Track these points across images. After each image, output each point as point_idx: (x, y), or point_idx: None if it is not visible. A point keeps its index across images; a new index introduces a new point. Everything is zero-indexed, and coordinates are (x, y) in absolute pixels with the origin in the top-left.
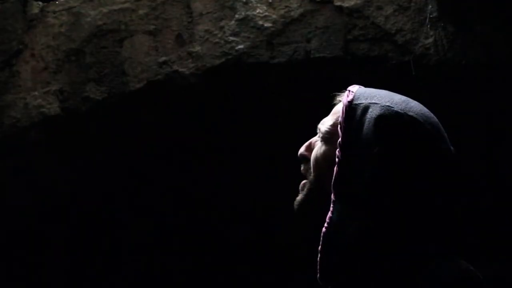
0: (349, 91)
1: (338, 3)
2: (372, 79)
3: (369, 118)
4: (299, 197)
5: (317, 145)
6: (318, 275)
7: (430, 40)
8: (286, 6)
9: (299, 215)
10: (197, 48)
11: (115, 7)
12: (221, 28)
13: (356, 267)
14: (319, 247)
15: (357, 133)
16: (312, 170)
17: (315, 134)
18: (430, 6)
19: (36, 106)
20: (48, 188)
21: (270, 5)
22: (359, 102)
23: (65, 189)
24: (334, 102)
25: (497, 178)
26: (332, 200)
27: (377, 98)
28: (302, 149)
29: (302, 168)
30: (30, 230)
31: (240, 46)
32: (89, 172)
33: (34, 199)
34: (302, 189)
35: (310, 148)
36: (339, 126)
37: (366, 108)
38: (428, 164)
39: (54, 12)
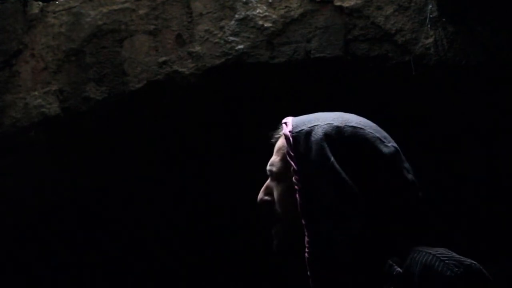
0: (285, 123)
1: (338, 3)
2: (372, 79)
3: (314, 140)
4: (277, 242)
5: (275, 187)
6: None
7: (430, 40)
8: (286, 6)
9: (283, 256)
10: (197, 48)
11: (115, 7)
12: (221, 28)
13: (347, 277)
14: (308, 273)
15: (307, 158)
16: (280, 210)
17: None
18: (430, 6)
19: (36, 106)
20: (48, 188)
21: (270, 5)
22: (299, 129)
23: (65, 189)
24: (272, 141)
25: (497, 178)
26: (304, 225)
27: (314, 121)
28: (261, 195)
29: (265, 213)
30: (30, 229)
31: (240, 46)
32: (89, 172)
33: (34, 199)
34: (277, 234)
35: (268, 192)
36: (288, 156)
37: (308, 133)
38: (378, 164)
39: (54, 12)
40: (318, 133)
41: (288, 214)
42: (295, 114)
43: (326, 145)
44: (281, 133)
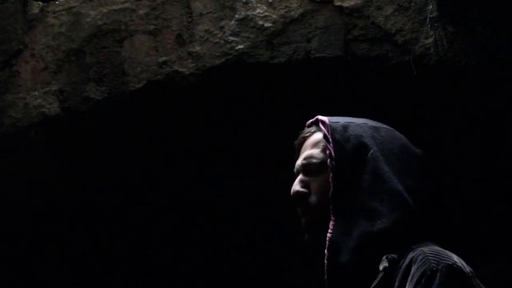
0: (318, 117)
1: (338, 3)
2: (372, 79)
3: (352, 133)
4: (310, 233)
5: (314, 179)
6: (325, 277)
7: (430, 40)
8: (286, 6)
9: (315, 247)
10: (197, 48)
11: (115, 7)
12: (221, 28)
13: (360, 268)
14: (326, 250)
15: (344, 147)
16: (316, 202)
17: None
18: (430, 6)
19: (36, 106)
20: (48, 188)
21: (270, 5)
22: (335, 121)
23: (65, 189)
24: (297, 141)
25: (497, 178)
26: (331, 210)
27: (348, 119)
28: (297, 187)
29: (301, 208)
30: (30, 230)
31: (240, 46)
32: (89, 172)
33: (34, 199)
34: (310, 225)
35: (305, 185)
36: (326, 140)
37: (345, 126)
38: (413, 162)
39: (54, 12)
40: (355, 128)
41: (324, 204)
42: (295, 114)
43: (366, 141)
44: (307, 134)
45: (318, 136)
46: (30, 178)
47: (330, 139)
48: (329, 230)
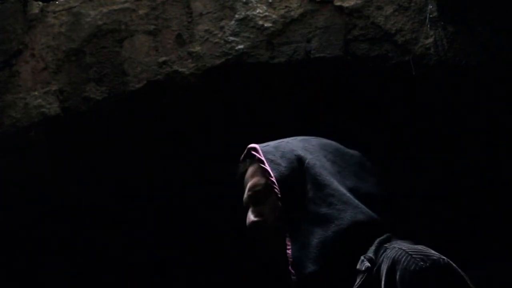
0: (247, 148)
1: (338, 3)
2: (372, 79)
3: (284, 150)
4: (264, 251)
5: (264, 206)
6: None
7: (430, 40)
8: (286, 6)
9: (270, 263)
10: (197, 48)
11: (115, 7)
12: (221, 28)
13: (328, 276)
14: (291, 273)
15: (280, 163)
16: (270, 224)
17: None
18: (430, 6)
19: (36, 106)
20: (48, 188)
21: (270, 5)
22: (266, 144)
23: (65, 189)
24: (237, 178)
25: (497, 178)
26: (287, 227)
27: (277, 141)
28: (252, 218)
29: (259, 236)
30: (30, 230)
31: (240, 46)
32: (89, 172)
33: (34, 199)
34: (264, 243)
35: (259, 214)
36: (262, 164)
37: (276, 146)
38: (351, 161)
39: (54, 12)
40: (285, 144)
41: (279, 225)
42: (294, 114)
43: (298, 152)
44: (245, 166)
45: (253, 166)
46: (30, 178)
47: (265, 162)
48: (287, 247)
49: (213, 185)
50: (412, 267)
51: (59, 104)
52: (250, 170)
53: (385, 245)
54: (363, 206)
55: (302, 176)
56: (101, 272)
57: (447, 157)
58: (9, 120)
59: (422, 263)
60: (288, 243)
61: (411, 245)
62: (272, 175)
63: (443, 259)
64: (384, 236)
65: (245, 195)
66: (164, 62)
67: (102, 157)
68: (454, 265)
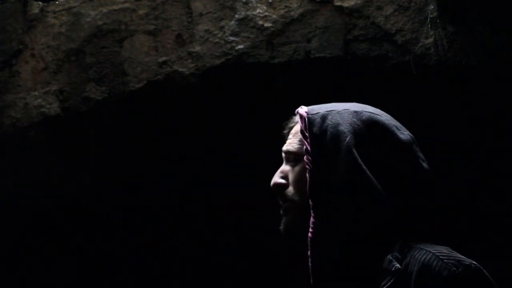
0: (300, 107)
1: (338, 3)
2: (372, 79)
3: (331, 123)
4: (287, 219)
5: (291, 169)
6: (311, 280)
7: (430, 40)
8: (286, 6)
9: (288, 236)
10: (197, 48)
11: (115, 7)
12: (221, 28)
13: (347, 265)
14: (308, 252)
15: (321, 139)
16: (294, 191)
17: None
18: (431, 6)
19: (36, 106)
20: (48, 188)
21: (270, 5)
22: (315, 112)
23: (65, 189)
24: (285, 131)
25: (497, 178)
26: (311, 206)
27: (330, 107)
28: (276, 179)
29: (280, 197)
30: (30, 229)
31: (240, 46)
32: (89, 172)
33: (34, 199)
34: (287, 211)
35: (283, 176)
36: (301, 135)
37: (324, 116)
38: (396, 151)
39: (54, 12)
40: (334, 117)
41: (301, 196)
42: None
43: (342, 129)
44: (296, 119)
45: (299, 126)
46: (30, 178)
47: (307, 134)
48: (310, 229)
49: (213, 185)
50: (445, 273)
51: (59, 104)
52: (295, 128)
53: (410, 244)
54: (391, 202)
55: (338, 156)
56: (101, 272)
57: (447, 156)
58: (9, 120)
59: (454, 268)
60: (311, 224)
61: (437, 248)
62: (309, 150)
63: (474, 264)
64: (407, 233)
65: (283, 148)
66: (164, 62)
67: (102, 157)
68: (484, 270)
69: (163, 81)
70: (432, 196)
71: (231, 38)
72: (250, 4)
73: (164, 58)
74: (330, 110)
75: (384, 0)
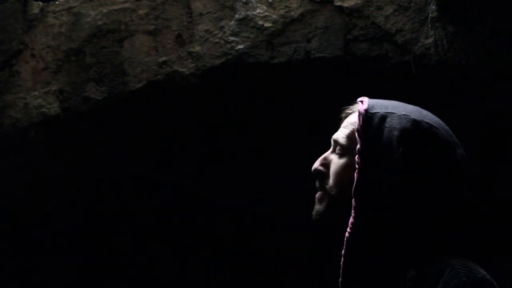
0: (361, 101)
1: (338, 3)
2: (372, 79)
3: (388, 126)
4: (319, 208)
5: (334, 159)
6: (340, 279)
7: (430, 40)
8: (286, 6)
9: (318, 225)
10: (197, 48)
11: (115, 7)
12: (221, 28)
13: (379, 273)
14: (343, 251)
15: (375, 141)
16: (333, 184)
17: (316, 133)
18: (431, 6)
19: (36, 106)
20: (48, 188)
21: (270, 5)
22: (375, 111)
23: (65, 189)
24: (342, 115)
25: (497, 178)
26: (353, 206)
27: (391, 108)
28: (316, 164)
29: (317, 183)
30: (30, 229)
31: (240, 46)
32: (89, 172)
33: (34, 199)
34: (321, 200)
35: (325, 164)
36: (357, 133)
37: (383, 117)
38: (446, 168)
39: (54, 12)
40: (393, 121)
41: (339, 190)
42: (294, 114)
43: (398, 135)
44: (355, 109)
45: (353, 117)
46: (30, 178)
47: (362, 133)
48: (348, 229)
49: (213, 185)
50: (454, 281)
51: (59, 104)
52: (350, 118)
53: (439, 256)
54: (430, 217)
55: (389, 161)
56: (101, 272)
57: None
58: (9, 120)
59: (465, 279)
60: (351, 224)
61: (461, 259)
62: (361, 150)
63: (487, 278)
64: (439, 247)
65: (333, 135)
66: (164, 62)
67: (102, 157)
68: (496, 286)
69: (163, 81)
70: (468, 215)
71: (231, 38)
72: (250, 4)
73: (164, 58)
74: (390, 112)
75: (384, 0)
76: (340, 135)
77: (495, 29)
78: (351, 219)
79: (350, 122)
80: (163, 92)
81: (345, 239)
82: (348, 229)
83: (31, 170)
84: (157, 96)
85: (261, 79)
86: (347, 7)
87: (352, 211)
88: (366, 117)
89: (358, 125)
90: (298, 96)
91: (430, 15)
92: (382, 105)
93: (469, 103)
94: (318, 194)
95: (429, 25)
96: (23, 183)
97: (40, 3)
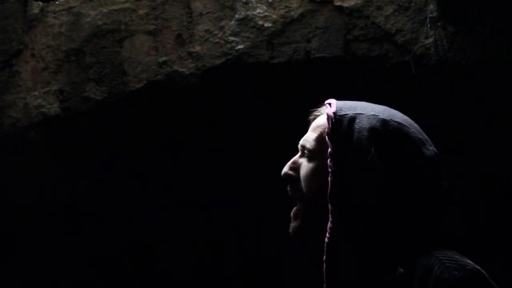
0: (329, 104)
1: (338, 3)
2: (372, 79)
3: (357, 128)
4: (295, 224)
5: (304, 163)
6: (324, 286)
7: (430, 40)
8: (286, 6)
9: (297, 240)
10: (197, 48)
11: (115, 7)
12: (221, 28)
13: (364, 274)
14: (324, 257)
15: (346, 143)
16: (304, 189)
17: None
18: (431, 6)
19: (36, 106)
20: (48, 188)
21: (270, 5)
22: (343, 113)
23: (65, 189)
24: (310, 117)
25: (497, 179)
26: (330, 210)
27: (359, 109)
28: (286, 169)
29: (289, 188)
30: (30, 229)
31: (240, 46)
32: (89, 172)
33: (34, 199)
34: (296, 217)
35: (294, 168)
36: (327, 137)
37: (352, 119)
38: (419, 165)
39: (54, 12)
40: (362, 122)
41: (312, 195)
42: (294, 114)
43: (369, 136)
44: (322, 111)
45: (321, 120)
46: (30, 178)
47: (332, 135)
48: (327, 234)
49: (213, 185)
50: (445, 276)
51: (59, 104)
52: (317, 121)
53: (421, 251)
54: (409, 214)
55: (361, 163)
56: (101, 272)
57: (447, 157)
58: (9, 120)
59: (456, 272)
60: (329, 229)
61: (444, 252)
62: (332, 153)
63: (477, 269)
64: (420, 242)
65: (301, 140)
66: (164, 62)
67: (102, 157)
68: (487, 276)
69: (163, 81)
70: (447, 211)
71: (231, 38)
72: (250, 4)
73: (164, 58)
74: (358, 113)
75: (384, 0)
76: (308, 139)
77: (495, 29)
78: (329, 224)
79: (318, 125)
80: (163, 92)
81: (325, 245)
82: (327, 235)
83: (31, 170)
84: (157, 96)
85: (261, 79)
86: (347, 7)
87: (330, 215)
88: (335, 119)
89: (327, 128)
90: (298, 96)
91: (430, 15)
92: (350, 107)
93: (469, 103)
94: (293, 211)
95: (429, 25)
96: (23, 183)
97: (40, 3)
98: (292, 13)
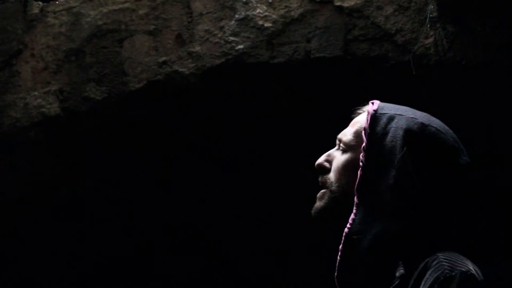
0: (372, 103)
1: (338, 3)
2: (372, 79)
3: (394, 127)
4: (318, 205)
5: (338, 155)
6: (335, 274)
7: (430, 40)
8: (286, 6)
9: (318, 221)
10: (197, 48)
11: (115, 7)
12: (221, 28)
13: (374, 269)
14: (340, 246)
15: (381, 140)
16: (334, 179)
17: (316, 133)
18: (431, 6)
19: (36, 106)
20: (48, 188)
21: (270, 5)
22: (383, 112)
23: (65, 189)
24: (353, 115)
25: (497, 179)
26: (355, 203)
27: (400, 110)
28: (321, 160)
29: (320, 178)
30: (30, 229)
31: (240, 46)
32: (89, 172)
33: (34, 199)
34: (321, 198)
35: (328, 160)
36: (363, 132)
37: (391, 118)
38: (449, 174)
39: (54, 12)
40: (400, 122)
41: (340, 186)
42: (294, 114)
43: (404, 135)
44: (364, 109)
45: (361, 116)
46: (30, 178)
47: (369, 131)
48: (348, 224)
49: (213, 185)
50: (438, 274)
51: (59, 104)
52: (356, 118)
53: (430, 252)
54: (429, 218)
55: (392, 162)
56: (101, 272)
57: None
58: (9, 120)
59: (447, 271)
60: (351, 220)
61: (451, 253)
62: (366, 148)
63: (472, 272)
64: (432, 246)
65: (338, 135)
66: (164, 62)
67: (102, 157)
68: (480, 280)
69: (163, 81)
70: (468, 219)
71: (231, 38)
72: (250, 4)
73: (164, 58)
74: (398, 114)
75: (384, 0)
76: (345, 133)
77: (495, 29)
78: (352, 216)
79: (357, 121)
80: (163, 92)
81: (344, 234)
82: (348, 225)
83: (31, 170)
84: (157, 96)
85: (261, 79)
86: (347, 7)
87: (354, 207)
88: (375, 116)
89: (365, 123)
90: (298, 96)
91: (430, 15)
92: (392, 108)
93: (469, 103)
94: (319, 193)
95: (429, 25)
96: (23, 183)
97: (40, 3)
98: (292, 13)
